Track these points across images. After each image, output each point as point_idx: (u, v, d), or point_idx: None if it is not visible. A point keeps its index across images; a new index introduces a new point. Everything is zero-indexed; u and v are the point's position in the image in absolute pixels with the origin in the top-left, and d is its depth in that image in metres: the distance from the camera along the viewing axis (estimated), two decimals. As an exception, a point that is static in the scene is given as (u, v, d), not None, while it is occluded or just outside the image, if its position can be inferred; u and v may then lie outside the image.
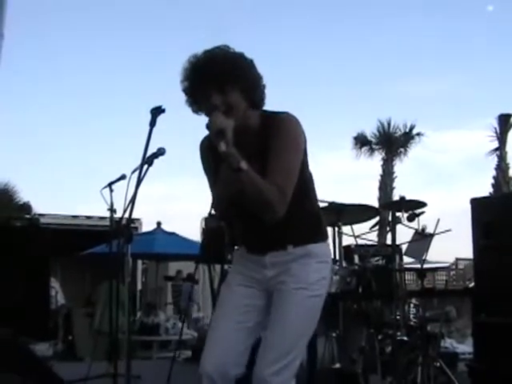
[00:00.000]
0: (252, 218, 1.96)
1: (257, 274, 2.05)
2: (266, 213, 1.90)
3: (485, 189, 18.66)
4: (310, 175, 2.08)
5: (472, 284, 4.77)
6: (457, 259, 14.84)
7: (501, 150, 19.71)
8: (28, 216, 9.38)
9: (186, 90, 1.94)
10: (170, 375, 4.04)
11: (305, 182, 2.03)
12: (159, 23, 21.78)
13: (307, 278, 1.97)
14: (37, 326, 4.48)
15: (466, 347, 6.13)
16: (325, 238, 2.10)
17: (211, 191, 2.05)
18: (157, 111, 2.10)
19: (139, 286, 11.08)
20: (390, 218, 3.83)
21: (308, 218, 2.03)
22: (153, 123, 2.11)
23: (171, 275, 10.26)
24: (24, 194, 11.36)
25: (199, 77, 1.89)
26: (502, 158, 19.61)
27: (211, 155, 1.97)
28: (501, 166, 19.49)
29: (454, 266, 14.90)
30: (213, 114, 1.83)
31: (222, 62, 1.87)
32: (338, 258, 3.67)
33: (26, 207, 10.44)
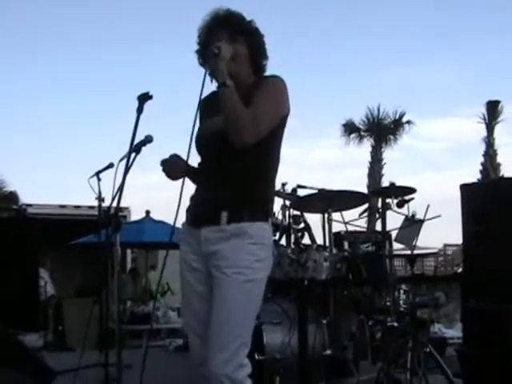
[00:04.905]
0: (207, 169, 2.04)
1: (196, 250, 2.03)
2: (236, 137, 1.92)
3: (473, 175, 18.82)
4: (278, 159, 2.11)
5: (460, 269, 4.80)
6: (445, 245, 14.95)
7: (489, 136, 19.83)
8: (15, 206, 9.28)
9: (200, 36, 2.10)
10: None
11: (268, 161, 2.06)
12: (150, 9, 21.57)
13: (238, 260, 1.93)
14: (26, 317, 4.47)
15: (454, 332, 6.20)
16: (264, 218, 2.02)
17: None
18: (144, 98, 2.07)
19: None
20: (379, 205, 3.82)
21: (253, 197, 2.00)
22: (140, 110, 2.08)
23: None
24: (10, 184, 11.26)
25: (216, 21, 2.07)
26: (489, 145, 19.74)
27: (204, 107, 2.13)
28: (489, 153, 19.62)
29: (442, 252, 15.02)
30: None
31: (238, 16, 2.09)
32: (328, 244, 3.67)
33: (13, 197, 10.33)
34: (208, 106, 2.14)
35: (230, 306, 1.91)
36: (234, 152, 1.95)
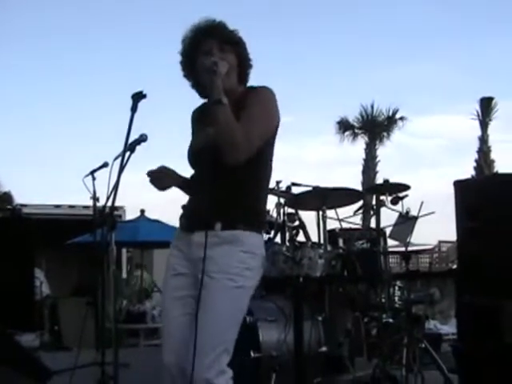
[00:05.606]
0: (200, 182, 2.02)
1: (187, 255, 2.02)
2: (230, 155, 1.91)
3: (467, 172, 18.89)
4: (270, 170, 2.11)
5: (455, 266, 4.82)
6: (440, 242, 15.01)
7: (483, 133, 19.90)
8: (9, 206, 9.26)
9: (185, 47, 2.07)
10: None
11: (261, 172, 2.06)
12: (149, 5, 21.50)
13: (229, 267, 1.92)
14: (22, 317, 4.45)
15: (449, 328, 6.23)
16: (258, 230, 2.04)
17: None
18: (138, 96, 2.06)
19: (124, 275, 11.05)
20: (374, 202, 3.84)
21: (246, 206, 2.01)
22: (134, 109, 2.08)
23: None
24: (5, 184, 11.22)
25: (202, 32, 2.04)
26: (483, 141, 19.80)
27: (197, 117, 2.17)
28: (483, 149, 19.69)
29: (437, 249, 15.08)
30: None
31: (223, 26, 2.08)
32: (322, 241, 3.69)
33: (7, 197, 10.30)
34: (200, 118, 2.15)
35: (217, 311, 1.90)
36: (226, 166, 1.94)
